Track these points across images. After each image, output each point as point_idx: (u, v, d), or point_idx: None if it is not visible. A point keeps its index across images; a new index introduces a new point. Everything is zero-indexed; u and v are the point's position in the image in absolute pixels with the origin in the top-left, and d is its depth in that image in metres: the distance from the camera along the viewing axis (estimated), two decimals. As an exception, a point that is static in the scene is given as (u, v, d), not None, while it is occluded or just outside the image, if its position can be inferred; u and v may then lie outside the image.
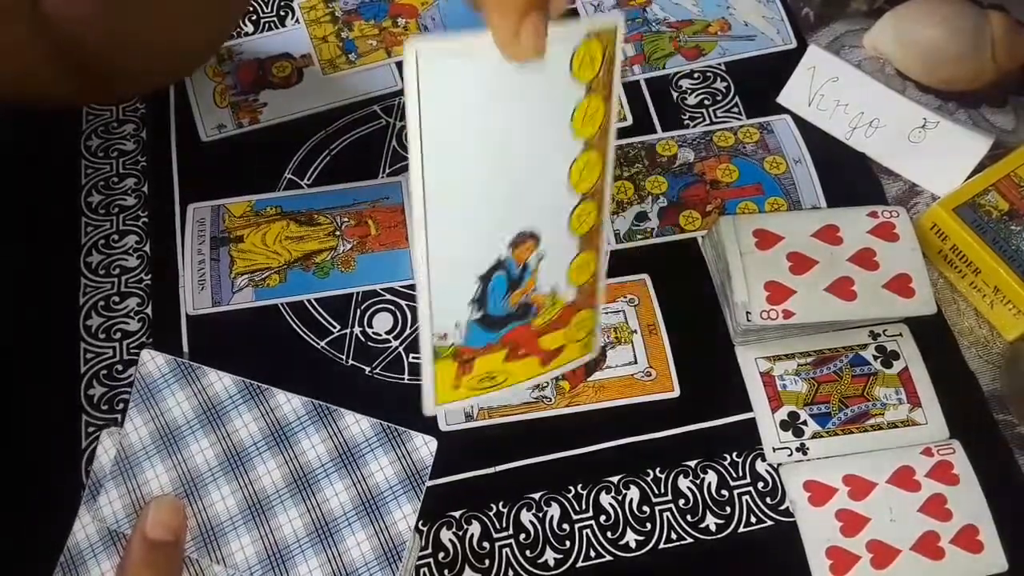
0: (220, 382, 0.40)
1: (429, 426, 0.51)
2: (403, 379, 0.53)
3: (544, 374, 0.43)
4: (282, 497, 0.36)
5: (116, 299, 0.55)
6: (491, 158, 0.35)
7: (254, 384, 0.39)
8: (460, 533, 0.49)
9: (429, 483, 0.50)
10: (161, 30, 0.48)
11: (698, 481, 0.50)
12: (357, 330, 0.54)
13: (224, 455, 0.38)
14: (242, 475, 0.37)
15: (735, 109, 0.62)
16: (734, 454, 0.51)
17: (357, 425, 0.38)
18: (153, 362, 0.40)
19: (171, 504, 0.38)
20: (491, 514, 0.49)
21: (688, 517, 0.49)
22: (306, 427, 0.38)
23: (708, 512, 0.49)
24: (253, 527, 0.36)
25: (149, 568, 0.37)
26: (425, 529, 0.49)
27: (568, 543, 0.49)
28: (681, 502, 0.50)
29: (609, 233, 0.57)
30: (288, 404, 0.38)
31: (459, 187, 0.35)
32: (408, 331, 0.54)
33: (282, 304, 0.55)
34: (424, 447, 0.38)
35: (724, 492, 0.50)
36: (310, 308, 0.55)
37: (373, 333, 0.54)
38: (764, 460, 0.50)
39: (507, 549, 0.48)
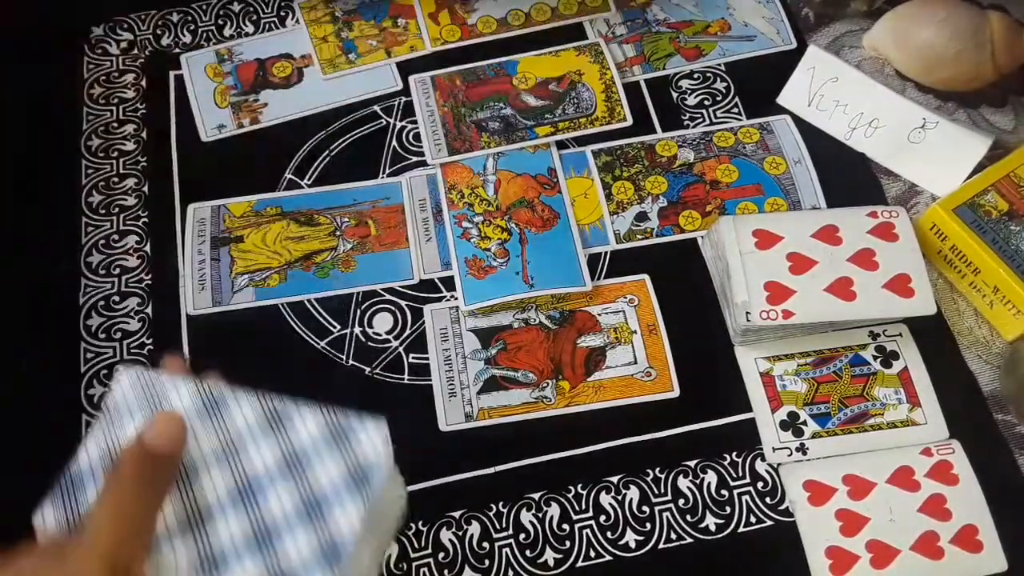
0: (177, 396, 0.38)
1: (424, 426, 0.51)
2: (403, 379, 0.53)
3: None
4: (223, 505, 0.35)
5: (116, 299, 0.55)
6: None
7: (209, 392, 0.37)
8: (460, 533, 0.49)
9: (429, 483, 0.50)
10: None
11: (698, 481, 0.50)
12: (357, 330, 0.55)
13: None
14: (186, 488, 0.36)
15: (735, 109, 0.62)
16: (734, 454, 0.51)
17: (304, 428, 0.37)
18: (119, 385, 0.38)
19: (177, 417, 0.36)
20: (491, 514, 0.49)
21: (688, 517, 0.49)
22: (255, 434, 0.37)
23: (708, 512, 0.49)
24: (189, 536, 0.35)
25: (140, 483, 0.34)
26: (425, 529, 0.49)
27: (568, 543, 0.49)
28: (681, 502, 0.50)
29: (609, 233, 0.57)
30: (240, 413, 0.37)
31: None
32: (408, 331, 0.54)
33: (282, 304, 0.55)
34: (368, 441, 0.36)
35: (724, 492, 0.50)
36: (310, 308, 0.55)
37: (373, 333, 0.54)
38: (764, 460, 0.50)
39: (507, 549, 0.48)
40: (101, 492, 0.35)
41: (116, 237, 0.58)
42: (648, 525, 0.49)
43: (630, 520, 0.49)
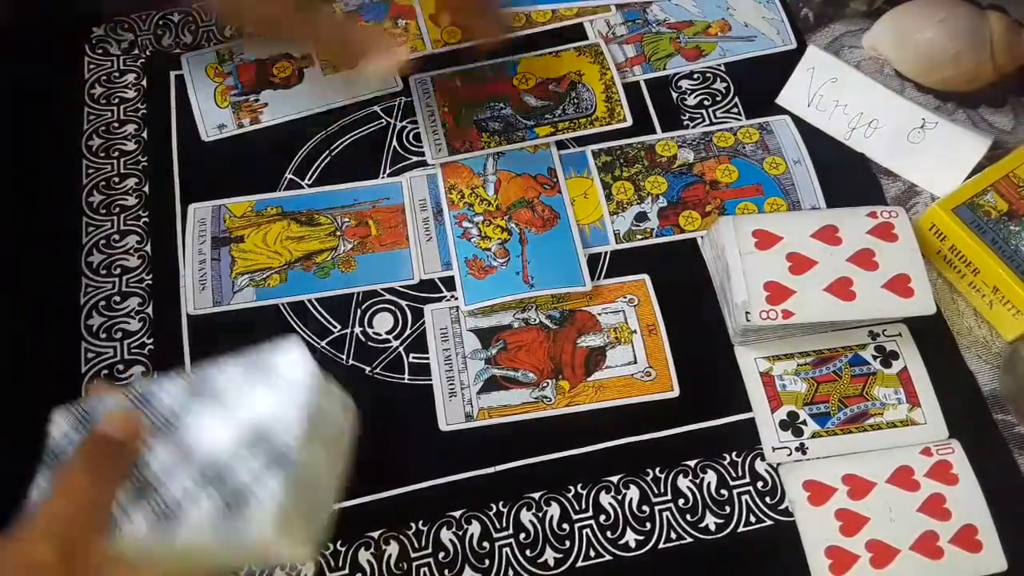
0: (106, 408, 0.39)
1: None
2: (403, 379, 0.53)
3: None
4: (169, 468, 0.36)
5: (117, 299, 0.55)
6: None
7: (133, 392, 0.38)
8: (460, 533, 0.49)
9: (427, 483, 0.50)
10: None
11: (698, 481, 0.50)
12: (357, 330, 0.55)
13: None
14: (132, 472, 0.37)
15: (735, 110, 0.62)
16: (734, 454, 0.51)
17: (225, 376, 0.38)
18: (56, 427, 0.39)
19: (133, 412, 0.37)
20: (491, 514, 0.49)
21: (688, 517, 0.49)
22: (184, 405, 0.37)
23: (708, 512, 0.49)
24: (143, 502, 0.36)
25: (91, 465, 0.35)
26: (425, 529, 0.49)
27: (568, 543, 0.49)
28: (681, 502, 0.50)
29: (609, 233, 0.57)
30: (165, 394, 0.38)
31: None
32: (408, 331, 0.55)
33: (282, 304, 0.55)
34: (286, 362, 0.37)
35: (724, 492, 0.50)
36: (310, 308, 0.55)
37: (373, 333, 0.54)
38: (763, 460, 0.50)
39: (507, 549, 0.48)
40: (53, 479, 0.35)
41: (117, 237, 0.58)
42: (648, 525, 0.49)
43: (630, 520, 0.49)
